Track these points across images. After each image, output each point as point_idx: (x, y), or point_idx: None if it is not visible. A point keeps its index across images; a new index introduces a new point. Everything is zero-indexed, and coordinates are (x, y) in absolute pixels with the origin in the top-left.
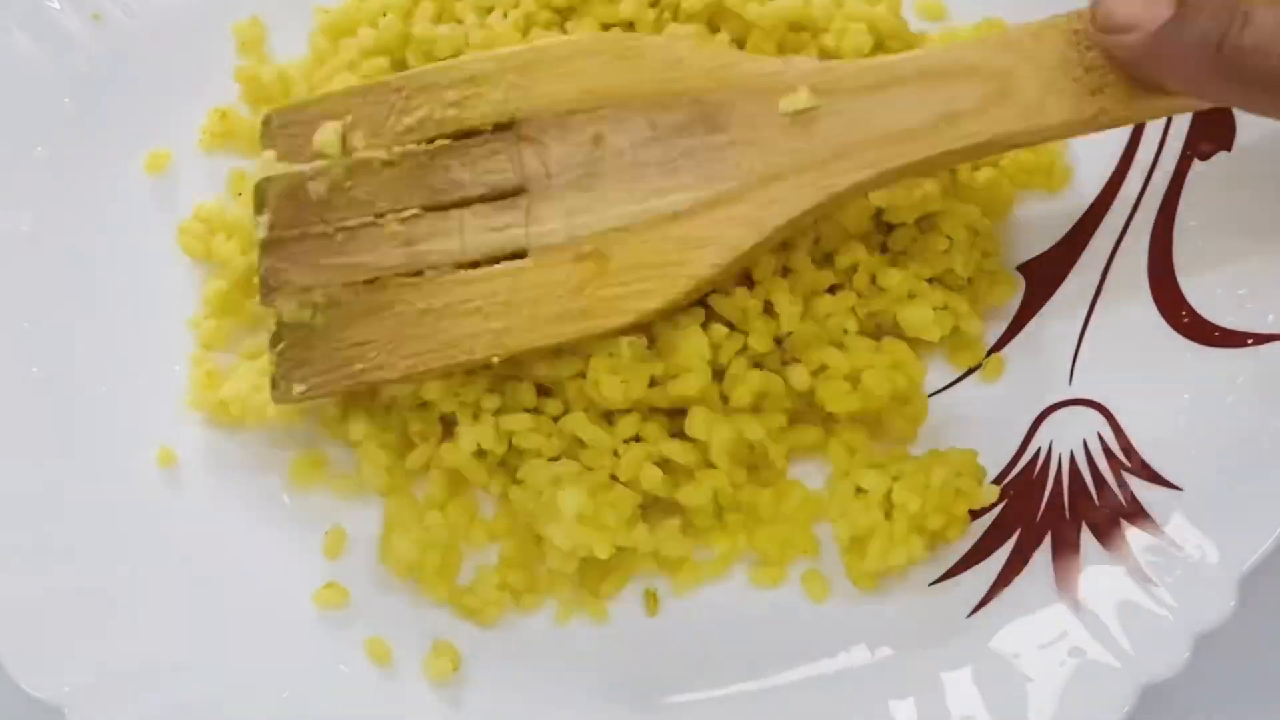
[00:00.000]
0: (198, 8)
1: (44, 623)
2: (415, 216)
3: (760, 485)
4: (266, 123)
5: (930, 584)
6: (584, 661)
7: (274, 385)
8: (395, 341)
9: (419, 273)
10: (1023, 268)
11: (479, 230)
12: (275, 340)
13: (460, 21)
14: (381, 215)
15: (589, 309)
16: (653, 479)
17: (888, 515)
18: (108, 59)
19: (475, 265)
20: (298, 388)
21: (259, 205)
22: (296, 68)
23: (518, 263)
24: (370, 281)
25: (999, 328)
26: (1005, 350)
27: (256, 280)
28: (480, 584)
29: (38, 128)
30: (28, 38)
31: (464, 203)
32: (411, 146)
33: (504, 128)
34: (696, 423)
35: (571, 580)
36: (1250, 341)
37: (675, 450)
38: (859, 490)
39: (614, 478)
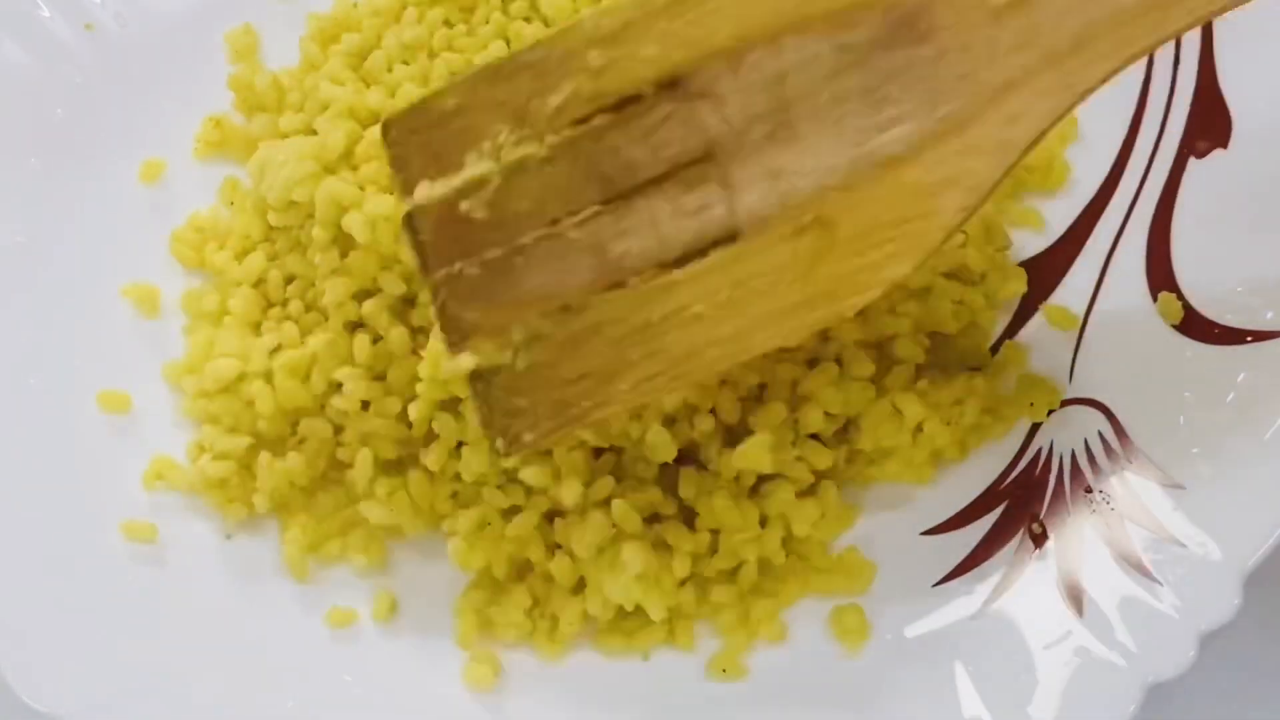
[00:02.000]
0: (190, 16)
1: (46, 637)
2: (595, 215)
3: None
4: (387, 132)
5: (933, 585)
6: (624, 687)
7: (494, 445)
8: (615, 370)
9: (620, 284)
10: (1021, 266)
11: (674, 217)
12: (477, 391)
13: (448, 24)
14: (556, 222)
15: (829, 290)
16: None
17: (913, 438)
18: (100, 69)
19: (681, 261)
20: (527, 436)
21: (416, 246)
22: (290, 75)
23: (730, 249)
24: (567, 307)
25: (998, 327)
26: (1003, 349)
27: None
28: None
29: (31, 139)
30: (19, 48)
31: (646, 187)
32: (567, 133)
33: (668, 86)
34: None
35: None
36: (1250, 339)
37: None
38: (895, 410)
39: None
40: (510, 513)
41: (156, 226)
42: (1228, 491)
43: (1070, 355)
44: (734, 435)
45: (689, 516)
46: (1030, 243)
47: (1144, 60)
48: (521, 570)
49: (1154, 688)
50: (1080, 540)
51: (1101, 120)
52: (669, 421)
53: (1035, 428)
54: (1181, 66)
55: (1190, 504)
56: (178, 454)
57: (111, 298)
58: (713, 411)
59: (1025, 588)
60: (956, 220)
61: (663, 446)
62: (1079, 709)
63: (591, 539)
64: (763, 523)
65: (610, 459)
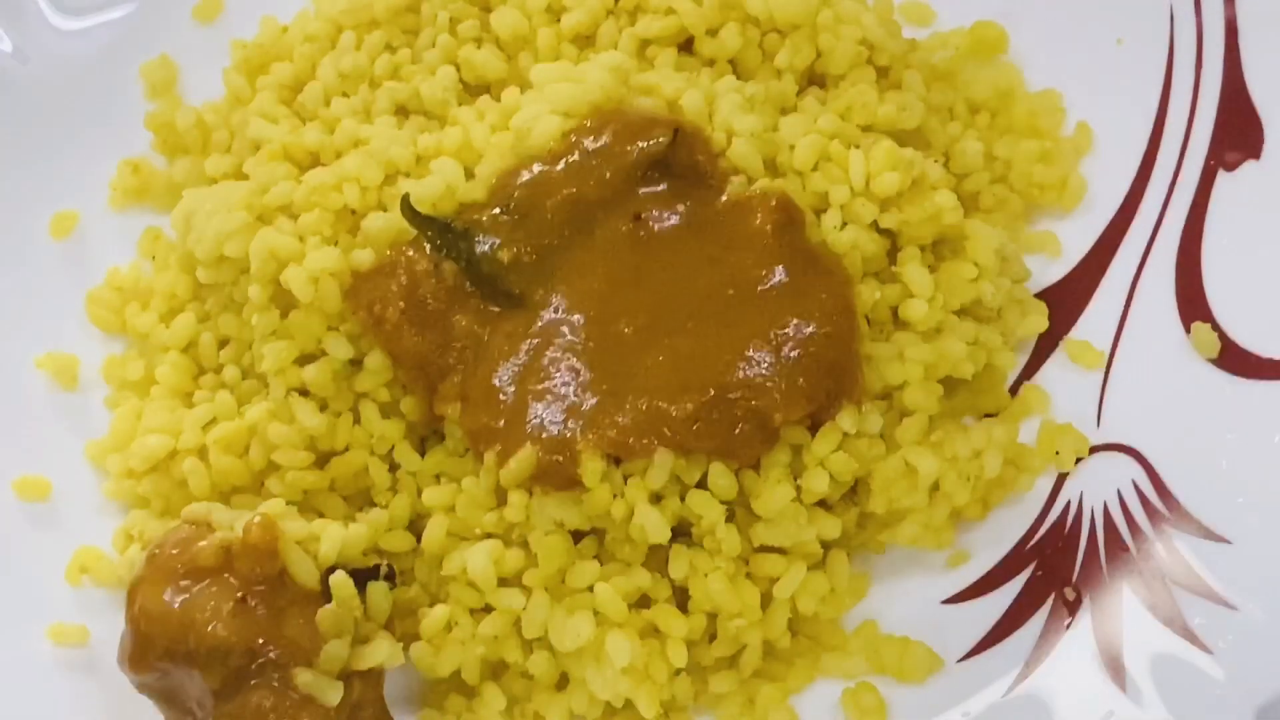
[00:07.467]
0: (100, 50)
1: None
2: None
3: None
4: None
5: (959, 660)
6: None
7: None
8: None
9: None
10: (1038, 297)
11: None
12: None
13: (390, 49)
14: None
15: None
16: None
17: (930, 496)
18: (1, 112)
19: None
20: None
21: None
22: (215, 111)
23: None
24: None
25: (1015, 367)
26: (1023, 391)
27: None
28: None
29: None
30: None
31: None
32: None
33: None
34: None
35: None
36: None
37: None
38: (908, 467)
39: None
40: (481, 611)
41: (71, 287)
42: (1278, 545)
43: (1097, 396)
44: (731, 509)
45: (682, 598)
46: (1046, 270)
47: (1162, 61)
48: (495, 669)
49: None
50: (1118, 605)
51: (1119, 129)
52: (656, 498)
53: (1062, 479)
54: (1205, 68)
55: (1238, 560)
56: (104, 543)
57: (24, 370)
58: (703, 484)
59: (1059, 661)
60: None
61: (655, 527)
62: None
63: (573, 631)
64: (765, 601)
65: (591, 543)
